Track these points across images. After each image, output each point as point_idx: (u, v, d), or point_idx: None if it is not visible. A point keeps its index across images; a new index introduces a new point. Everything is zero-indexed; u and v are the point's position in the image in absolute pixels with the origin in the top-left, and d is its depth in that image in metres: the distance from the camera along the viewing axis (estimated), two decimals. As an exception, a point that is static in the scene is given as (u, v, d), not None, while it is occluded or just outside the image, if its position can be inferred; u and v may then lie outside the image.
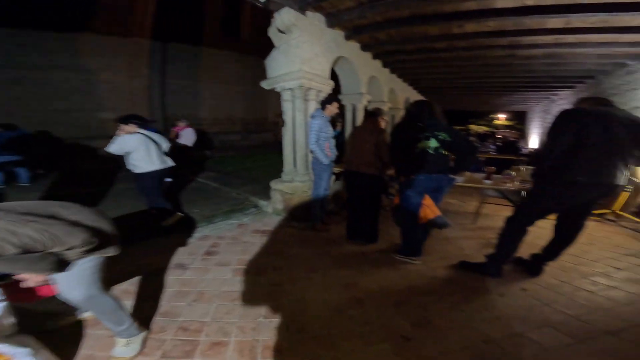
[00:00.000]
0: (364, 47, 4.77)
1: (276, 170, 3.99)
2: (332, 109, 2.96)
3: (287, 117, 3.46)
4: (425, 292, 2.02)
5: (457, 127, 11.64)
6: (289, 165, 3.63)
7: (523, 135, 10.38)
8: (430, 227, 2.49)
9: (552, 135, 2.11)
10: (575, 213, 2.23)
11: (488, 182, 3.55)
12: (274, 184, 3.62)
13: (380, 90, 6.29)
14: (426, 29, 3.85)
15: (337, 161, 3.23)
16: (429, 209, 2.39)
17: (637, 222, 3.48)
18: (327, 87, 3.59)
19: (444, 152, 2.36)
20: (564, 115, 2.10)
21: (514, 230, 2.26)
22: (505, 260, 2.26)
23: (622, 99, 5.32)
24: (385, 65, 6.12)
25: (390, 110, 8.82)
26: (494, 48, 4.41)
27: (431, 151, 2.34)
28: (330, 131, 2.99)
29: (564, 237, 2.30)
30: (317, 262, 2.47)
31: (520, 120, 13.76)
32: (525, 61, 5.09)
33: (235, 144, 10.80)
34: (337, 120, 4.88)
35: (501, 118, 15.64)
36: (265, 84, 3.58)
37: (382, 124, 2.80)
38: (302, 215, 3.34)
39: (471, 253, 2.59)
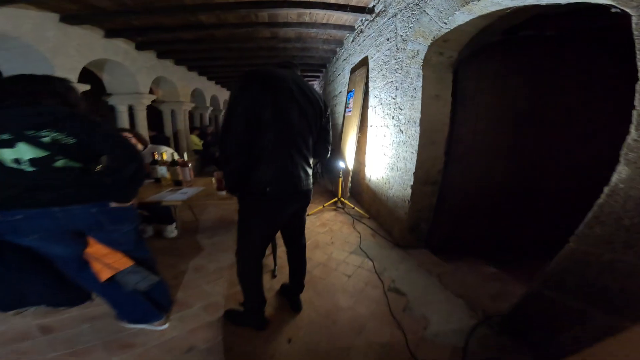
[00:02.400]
0: (110, 33, 4.23)
1: None
2: None
3: None
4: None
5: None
6: None
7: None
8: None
9: (225, 118, 1.36)
10: (289, 232, 1.79)
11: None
12: None
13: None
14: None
15: None
16: (101, 263, 1.45)
17: (352, 208, 4.11)
18: None
19: (73, 165, 1.31)
20: (236, 83, 1.38)
21: (244, 268, 1.66)
22: (259, 304, 1.75)
23: (335, 85, 6.07)
24: (160, 55, 5.65)
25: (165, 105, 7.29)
26: (259, 26, 4.14)
27: (27, 168, 1.22)
28: None
29: (295, 266, 1.91)
30: None
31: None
32: (286, 44, 5.12)
33: None
34: None
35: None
36: None
37: None
38: None
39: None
